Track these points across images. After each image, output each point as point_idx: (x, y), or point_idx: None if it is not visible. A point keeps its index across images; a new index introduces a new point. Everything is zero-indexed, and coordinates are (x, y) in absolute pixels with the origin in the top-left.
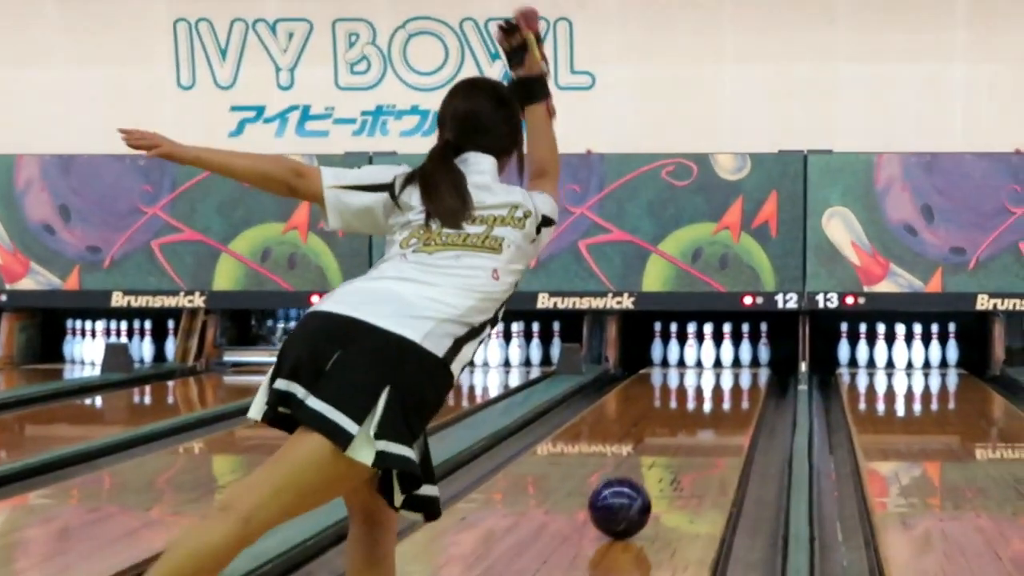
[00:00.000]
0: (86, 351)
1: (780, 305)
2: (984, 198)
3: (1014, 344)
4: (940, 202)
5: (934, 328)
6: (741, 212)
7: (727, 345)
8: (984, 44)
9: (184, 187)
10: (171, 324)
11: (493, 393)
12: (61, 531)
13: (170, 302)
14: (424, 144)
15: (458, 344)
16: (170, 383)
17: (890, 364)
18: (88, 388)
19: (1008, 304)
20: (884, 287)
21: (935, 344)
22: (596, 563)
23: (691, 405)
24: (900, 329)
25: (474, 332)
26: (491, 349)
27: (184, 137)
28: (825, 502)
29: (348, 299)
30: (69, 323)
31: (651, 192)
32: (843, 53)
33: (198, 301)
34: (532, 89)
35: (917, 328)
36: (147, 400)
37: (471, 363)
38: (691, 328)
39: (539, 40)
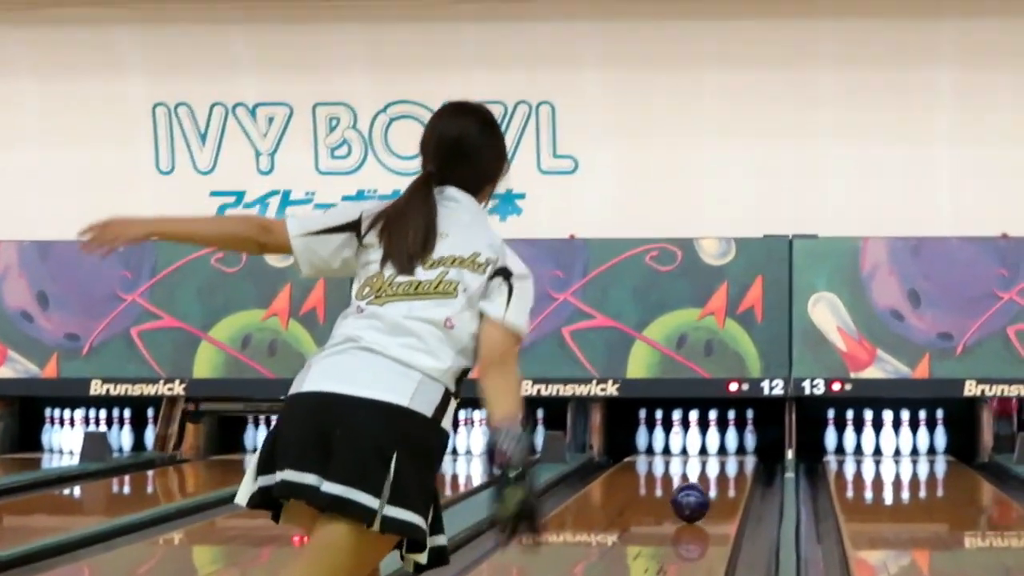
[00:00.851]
0: (64, 440)
1: (766, 391)
2: (971, 283)
3: (1002, 430)
4: (927, 287)
5: (922, 414)
6: (726, 297)
7: (713, 432)
8: (969, 127)
9: (163, 273)
10: (151, 412)
11: (476, 482)
12: None
13: (149, 390)
14: None
15: (445, 401)
16: (149, 472)
17: (878, 451)
18: (66, 478)
19: (996, 390)
20: (871, 373)
21: (923, 431)
22: None
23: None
24: (887, 415)
25: (455, 384)
26: (474, 437)
27: None
28: None
29: (327, 376)
30: (47, 411)
31: (635, 277)
32: (828, 136)
33: (178, 389)
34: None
35: (905, 414)
36: (126, 490)
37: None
38: (676, 415)
39: (518, 480)
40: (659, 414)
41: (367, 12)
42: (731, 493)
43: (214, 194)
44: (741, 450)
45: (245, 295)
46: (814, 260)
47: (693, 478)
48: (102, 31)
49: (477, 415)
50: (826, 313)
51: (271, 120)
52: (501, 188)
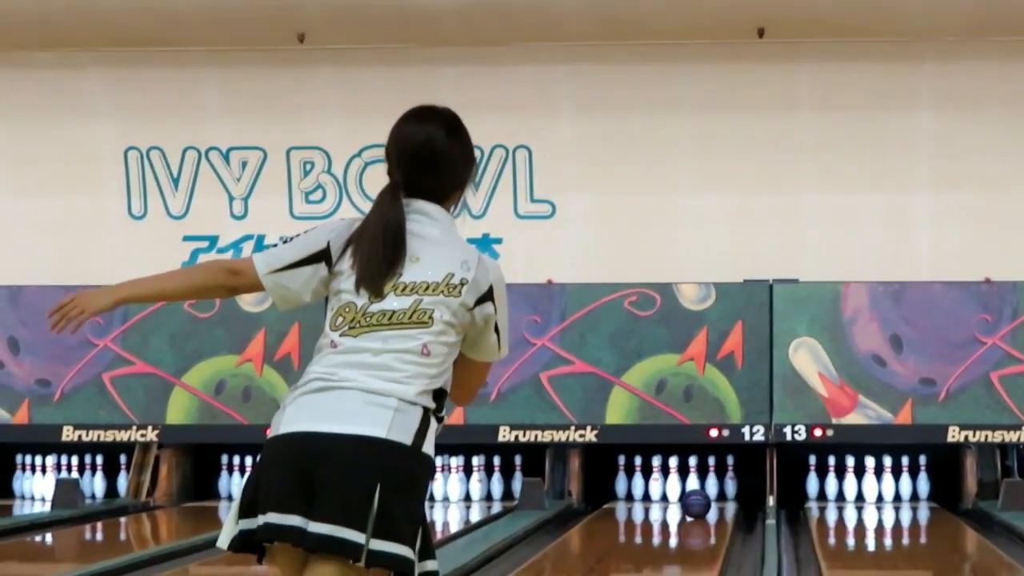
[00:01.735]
0: (36, 486)
1: (747, 438)
2: (954, 328)
3: (986, 477)
4: (909, 332)
5: (904, 461)
6: (706, 343)
7: (692, 479)
8: (950, 172)
9: (135, 319)
10: (123, 459)
11: (454, 528)
12: None
13: (122, 436)
14: None
15: (424, 424)
16: (122, 519)
17: (860, 498)
18: (38, 525)
19: (980, 436)
20: (853, 419)
21: (905, 477)
22: None
23: (656, 540)
24: (870, 462)
25: (434, 401)
26: (451, 483)
27: (136, 268)
28: None
29: (303, 415)
30: (18, 458)
31: (614, 323)
32: (807, 181)
33: (151, 435)
34: None
35: (887, 461)
36: (99, 537)
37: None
38: (656, 461)
39: None
40: (638, 460)
41: (341, 56)
42: (711, 540)
43: (187, 238)
44: (721, 496)
45: (218, 341)
46: (795, 305)
47: (673, 525)
48: (71, 75)
49: (454, 461)
50: (807, 358)
51: (244, 164)
52: (470, 195)
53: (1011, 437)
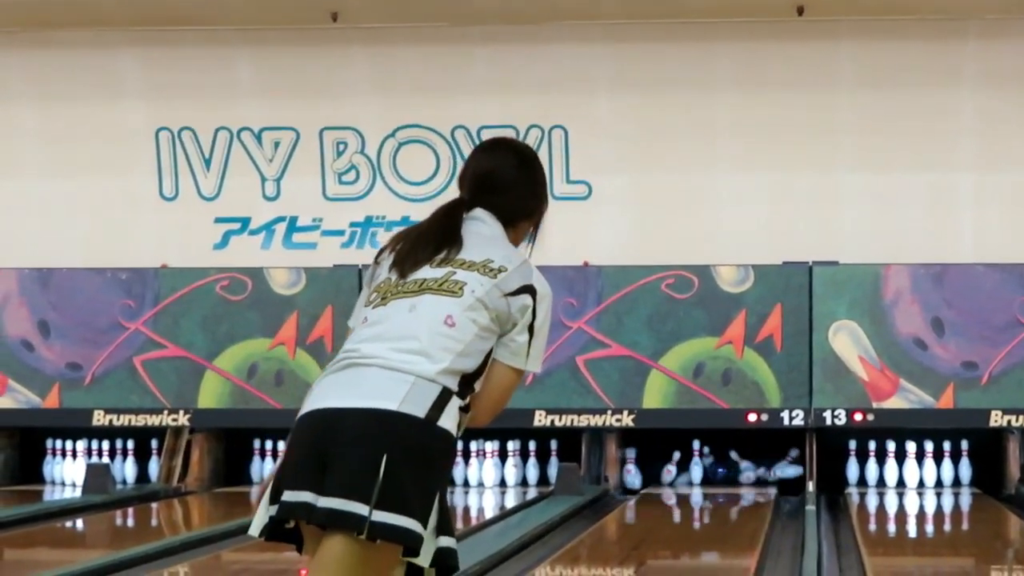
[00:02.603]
0: (66, 472)
1: (786, 422)
2: (996, 311)
3: None
4: (951, 315)
5: (946, 446)
6: (744, 326)
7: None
8: (993, 151)
9: (167, 301)
10: (154, 443)
11: (489, 514)
12: None
13: (153, 421)
14: None
15: (442, 399)
16: (153, 505)
17: (901, 483)
18: (69, 510)
19: (1022, 420)
20: (894, 403)
21: (947, 462)
22: None
23: (695, 526)
24: (911, 447)
25: (458, 385)
26: (486, 469)
27: (167, 250)
28: None
29: (324, 394)
30: (49, 442)
31: (651, 306)
32: (847, 161)
33: (182, 420)
34: None
35: (928, 446)
36: (130, 522)
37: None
38: (694, 446)
39: None
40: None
41: (375, 35)
42: (750, 526)
43: (219, 220)
44: (761, 481)
45: (251, 324)
46: (835, 288)
47: (711, 509)
48: (103, 55)
49: (489, 446)
50: (847, 342)
51: (277, 145)
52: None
53: None
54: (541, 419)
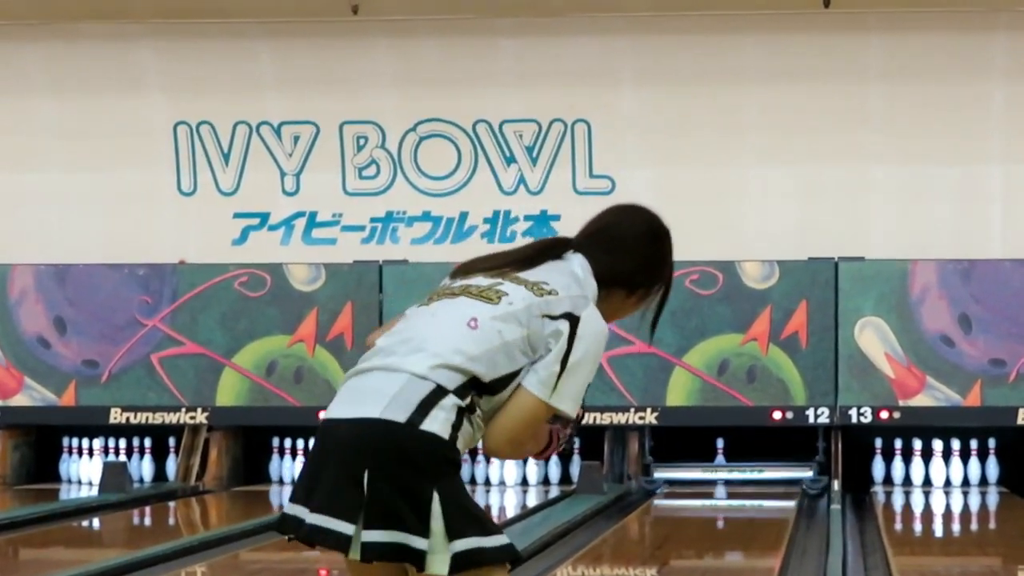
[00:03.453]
0: (83, 470)
1: (811, 420)
2: None
3: None
4: (978, 311)
5: (973, 444)
6: (769, 322)
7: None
8: (1022, 145)
9: (185, 298)
10: (172, 441)
11: (511, 513)
12: None
13: (171, 419)
14: (436, 252)
15: (431, 399)
16: (171, 504)
17: (927, 482)
18: (85, 509)
19: None
20: (920, 401)
21: (974, 461)
22: None
23: (719, 525)
24: (937, 445)
25: (456, 383)
26: (508, 467)
27: (186, 245)
28: None
29: (333, 401)
30: (65, 441)
31: (675, 301)
32: (875, 155)
33: (200, 417)
34: None
35: (955, 444)
36: (147, 522)
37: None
38: (718, 444)
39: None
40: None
41: (396, 27)
42: (775, 525)
43: (237, 216)
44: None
45: (270, 320)
46: (861, 284)
47: (735, 509)
48: (121, 48)
49: None
50: (873, 338)
51: (296, 139)
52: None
53: None
54: None
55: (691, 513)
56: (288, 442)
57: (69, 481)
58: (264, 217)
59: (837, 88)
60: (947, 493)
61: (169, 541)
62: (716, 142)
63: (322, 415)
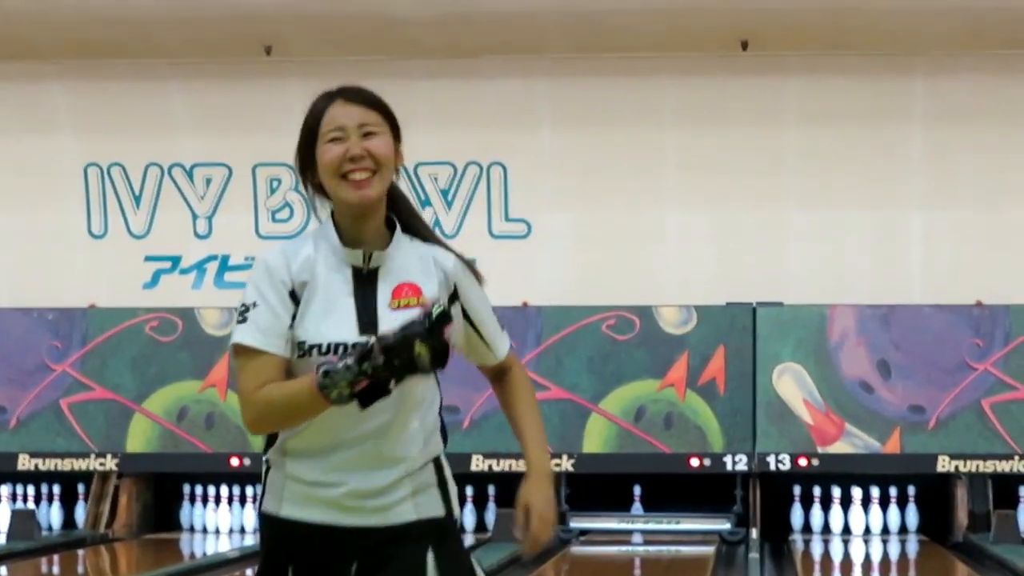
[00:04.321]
0: None
1: (729, 467)
2: (944, 353)
3: (977, 508)
4: (898, 357)
5: (892, 491)
6: (687, 368)
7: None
8: (942, 190)
9: (95, 342)
10: (81, 488)
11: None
12: None
13: (80, 465)
14: None
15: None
16: (80, 551)
17: (846, 530)
18: None
19: (970, 466)
20: (839, 448)
21: (893, 508)
22: None
23: (636, 573)
24: (857, 492)
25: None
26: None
27: (95, 289)
28: None
29: None
30: None
31: (591, 347)
32: (793, 199)
33: (110, 464)
34: None
35: (875, 491)
36: (56, 570)
37: None
38: (636, 491)
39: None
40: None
41: (308, 68)
42: (693, 574)
43: (149, 258)
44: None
45: (181, 365)
46: (779, 329)
47: (652, 555)
48: (30, 87)
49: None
50: (792, 385)
51: (209, 181)
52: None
53: (1003, 467)
54: (479, 464)
55: (609, 560)
56: (199, 489)
57: None
58: (176, 260)
59: (755, 131)
60: (866, 541)
61: None
62: (634, 185)
63: None
